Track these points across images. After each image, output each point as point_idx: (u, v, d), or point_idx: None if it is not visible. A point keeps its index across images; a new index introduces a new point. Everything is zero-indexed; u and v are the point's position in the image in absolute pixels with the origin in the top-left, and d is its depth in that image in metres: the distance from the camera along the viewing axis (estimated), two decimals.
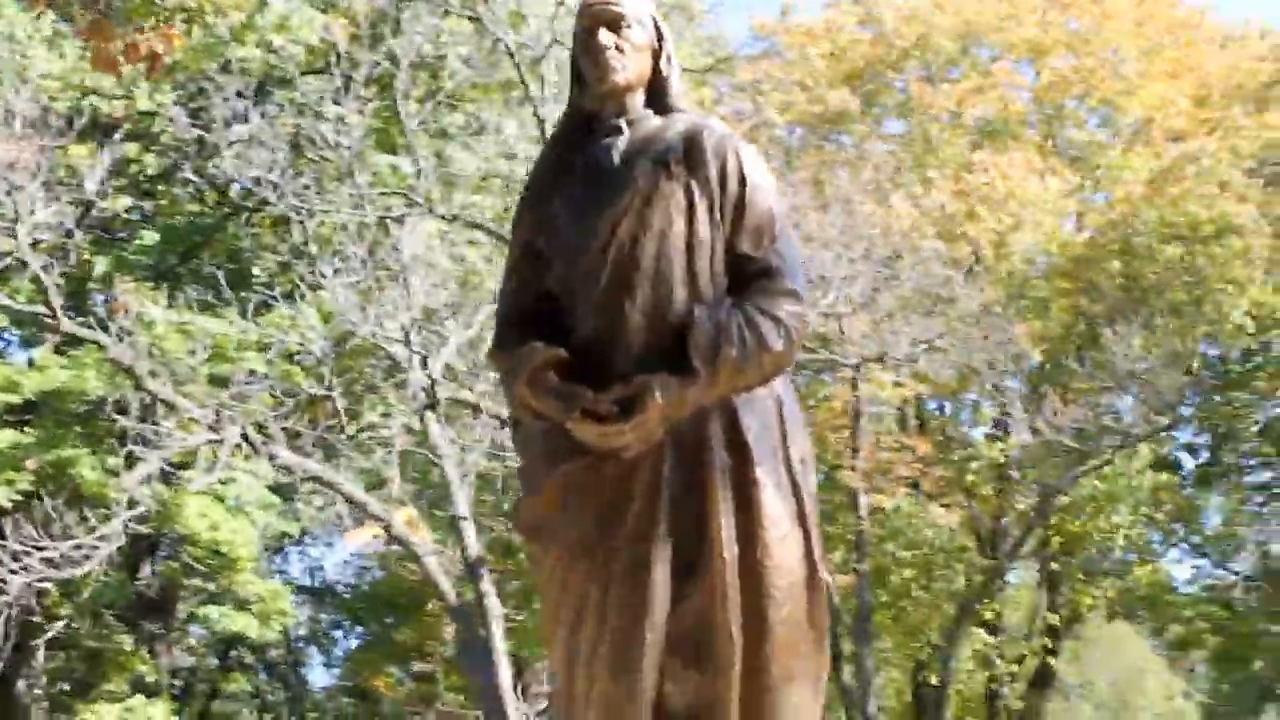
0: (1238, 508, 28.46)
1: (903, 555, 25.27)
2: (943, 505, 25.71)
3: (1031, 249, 24.46)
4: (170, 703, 22.48)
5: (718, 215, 4.67)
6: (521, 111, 19.20)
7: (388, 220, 17.80)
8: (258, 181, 17.45)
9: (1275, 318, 24.76)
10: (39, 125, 15.86)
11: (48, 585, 17.58)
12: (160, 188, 22.67)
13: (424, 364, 16.47)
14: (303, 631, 31.20)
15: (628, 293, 4.57)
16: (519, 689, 17.59)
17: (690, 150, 4.71)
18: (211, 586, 22.13)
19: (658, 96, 4.91)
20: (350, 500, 17.74)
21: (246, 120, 17.52)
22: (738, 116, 22.10)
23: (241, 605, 21.37)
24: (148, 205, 22.14)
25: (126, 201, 20.57)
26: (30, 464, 18.09)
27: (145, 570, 23.59)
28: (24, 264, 15.68)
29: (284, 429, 16.71)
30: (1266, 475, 29.02)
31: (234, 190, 21.83)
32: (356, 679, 30.94)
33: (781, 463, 4.62)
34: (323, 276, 16.81)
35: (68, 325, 16.20)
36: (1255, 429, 27.61)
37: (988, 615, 27.29)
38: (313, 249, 17.95)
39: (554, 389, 4.51)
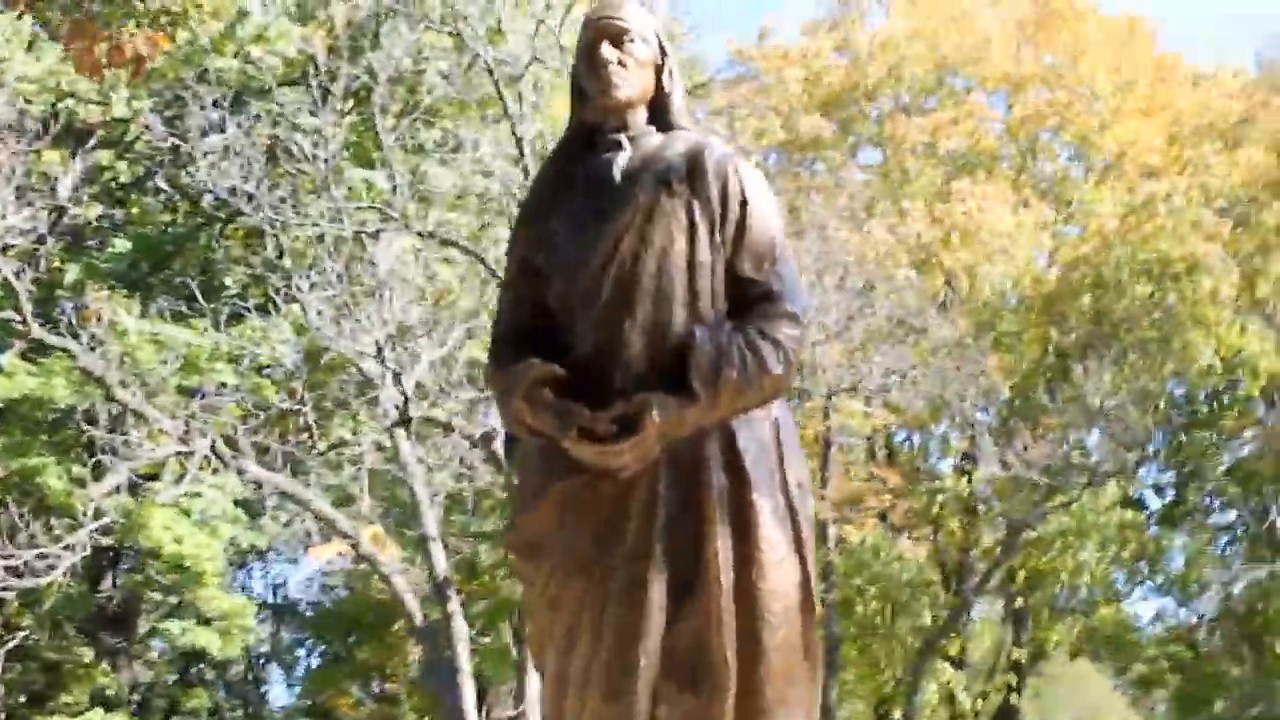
0: (1203, 548, 28.49)
1: (869, 588, 25.22)
2: (911, 538, 25.68)
3: (1003, 281, 24.51)
4: (129, 718, 22.24)
5: (718, 236, 4.63)
6: (499, 129, 19.14)
7: (363, 235, 17.70)
8: (233, 192, 17.32)
9: (1242, 358, 24.85)
10: (15, 128, 15.70)
11: (8, 595, 17.37)
12: (132, 196, 22.52)
13: (397, 380, 16.35)
14: (264, 649, 30.93)
15: (628, 311, 4.52)
16: (483, 711, 17.47)
17: (692, 169, 4.66)
18: (174, 600, 21.94)
19: (660, 113, 4.86)
20: (319, 517, 17.60)
21: (223, 130, 17.39)
22: None
23: (204, 620, 21.16)
24: (118, 214, 21.99)
25: (98, 209, 20.42)
26: None
27: (107, 582, 23.35)
28: None
29: (253, 443, 16.57)
30: (1231, 515, 29.13)
31: (207, 201, 21.70)
32: (317, 698, 30.66)
33: (779, 486, 4.57)
34: (298, 290, 16.68)
35: (38, 332, 16.02)
36: (1222, 469, 27.69)
37: (952, 650, 27.24)
38: (286, 262, 17.83)
39: (551, 406, 4.44)
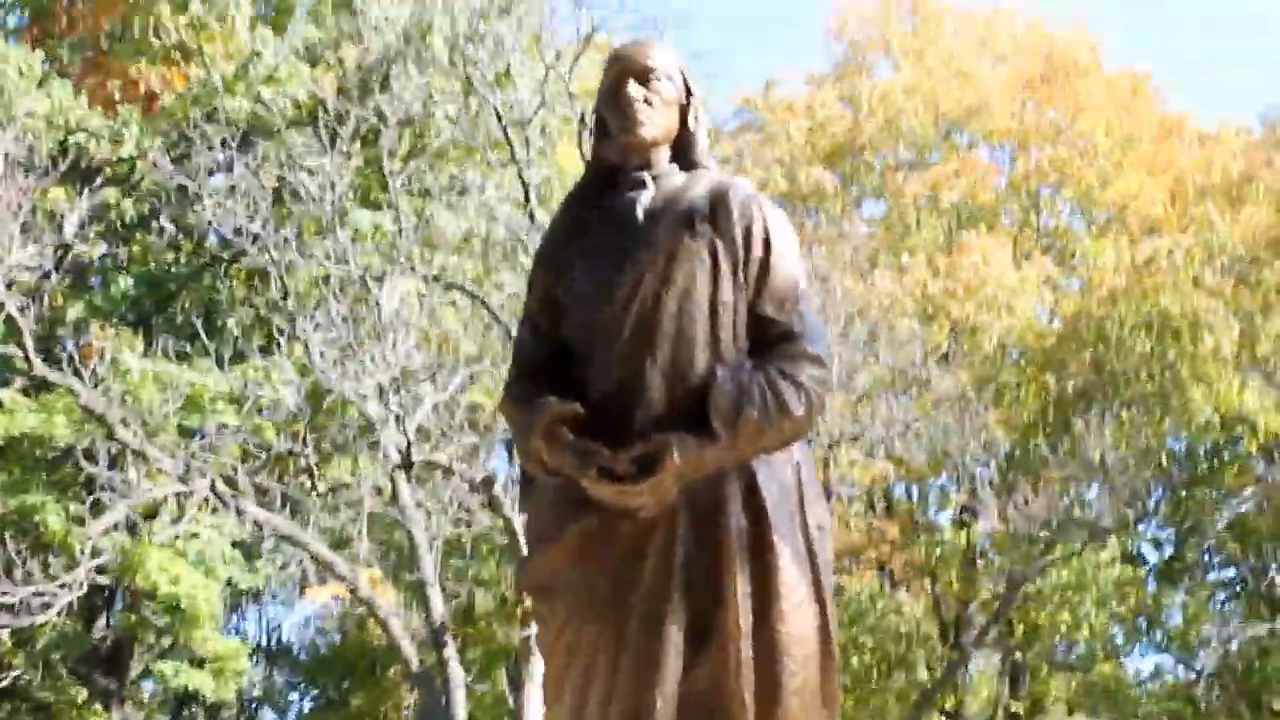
0: (1202, 605, 28.38)
1: (865, 640, 25.08)
2: (909, 591, 25.58)
3: (1005, 335, 24.52)
4: None
5: (741, 276, 4.59)
6: (505, 173, 19.17)
7: (367, 278, 17.69)
8: (238, 232, 17.32)
9: (1241, 415, 24.80)
10: (24, 165, 15.71)
11: (1, 634, 17.26)
12: (136, 235, 22.52)
13: (400, 424, 16.29)
14: (256, 692, 30.71)
15: (649, 350, 4.48)
16: None
17: (716, 209, 4.64)
18: (167, 642, 21.79)
19: (684, 152, 4.85)
20: (317, 559, 17.51)
21: (230, 170, 17.40)
22: None
23: (198, 662, 21.01)
24: (122, 252, 21.96)
25: (102, 247, 20.40)
26: None
27: (101, 622, 23.21)
28: None
29: (253, 484, 16.50)
30: (1230, 572, 29.02)
31: (211, 240, 21.71)
32: None
33: (799, 529, 4.52)
34: (302, 331, 16.65)
35: (40, 369, 15.97)
36: (1221, 525, 27.60)
37: (948, 704, 27.08)
38: (290, 304, 17.81)
39: (570, 445, 4.40)
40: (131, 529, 17.21)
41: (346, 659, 28.95)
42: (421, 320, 17.84)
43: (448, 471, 17.51)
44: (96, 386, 16.03)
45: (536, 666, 17.32)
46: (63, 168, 16.90)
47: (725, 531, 4.39)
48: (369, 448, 17.71)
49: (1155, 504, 27.39)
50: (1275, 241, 25.55)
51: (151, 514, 17.18)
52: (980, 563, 26.15)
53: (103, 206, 19.81)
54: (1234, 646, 27.85)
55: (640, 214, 4.67)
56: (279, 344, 17.70)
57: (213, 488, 16.01)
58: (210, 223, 18.30)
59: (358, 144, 18.85)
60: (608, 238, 4.67)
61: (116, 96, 18.37)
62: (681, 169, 4.81)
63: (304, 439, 16.86)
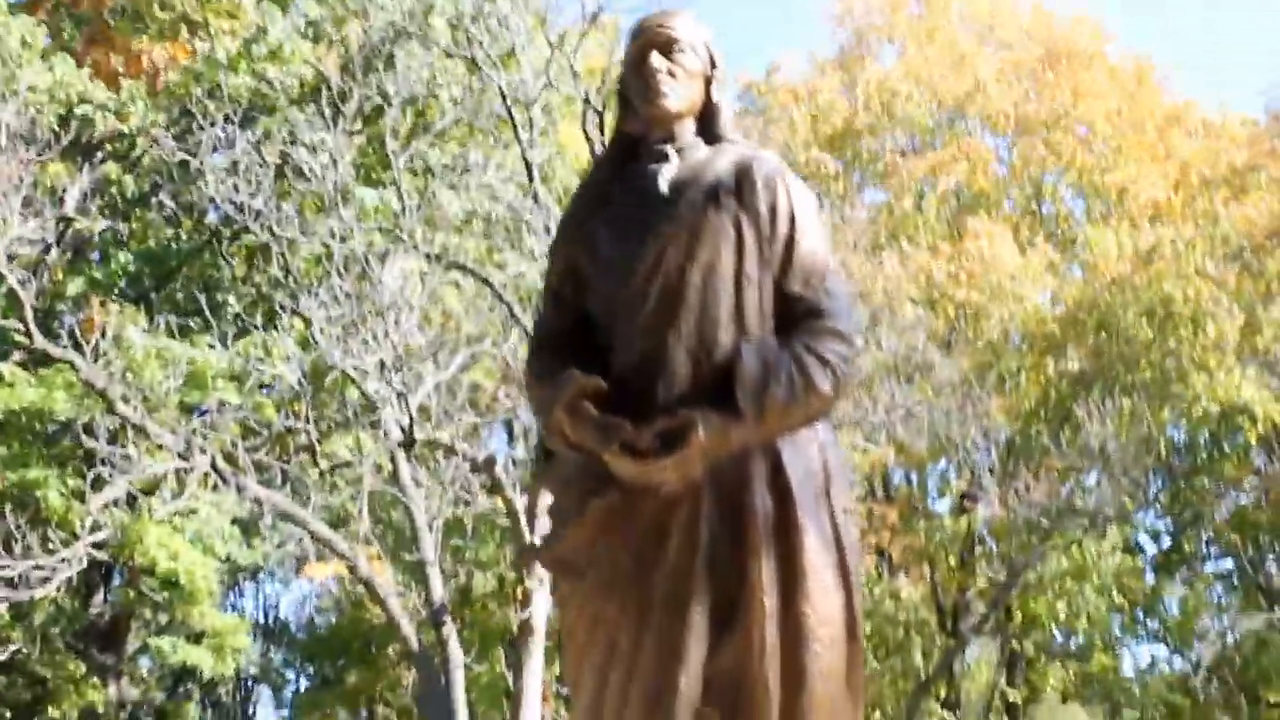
0: (1200, 596, 28.35)
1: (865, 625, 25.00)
2: (907, 577, 25.55)
3: (1008, 322, 24.46)
4: None
5: (766, 252, 4.51)
6: (508, 153, 19.07)
7: (369, 255, 17.59)
8: (240, 208, 17.21)
9: (1242, 405, 24.74)
10: (25, 138, 15.61)
11: (0, 608, 17.20)
12: (136, 211, 22.43)
13: (403, 402, 16.20)
14: (253, 670, 30.70)
15: (672, 324, 4.40)
16: None
17: (741, 183, 4.56)
18: (164, 618, 21.74)
19: (708, 125, 4.78)
20: (316, 537, 17.43)
21: (232, 146, 17.29)
22: None
23: (195, 638, 20.96)
24: (122, 228, 21.87)
25: (102, 223, 20.31)
26: None
27: (98, 598, 23.17)
28: None
29: (253, 461, 16.42)
30: (1229, 564, 28.98)
31: (212, 217, 21.60)
32: None
33: (825, 510, 4.43)
34: (305, 309, 16.55)
35: (41, 343, 15.88)
36: (1221, 517, 27.56)
37: (945, 691, 27.06)
38: (291, 282, 17.72)
39: (593, 420, 4.31)
40: (131, 504, 17.13)
41: (342, 638, 28.93)
42: (423, 299, 17.74)
43: (450, 451, 17.43)
44: (97, 361, 15.93)
45: (535, 648, 17.28)
46: (64, 142, 16.77)
47: (750, 511, 4.30)
48: (370, 426, 17.62)
49: (1155, 494, 27.36)
50: (1278, 231, 25.49)
51: (151, 490, 17.10)
52: (979, 550, 26.12)
53: (103, 181, 19.71)
54: (1231, 638, 27.85)
55: (664, 186, 4.59)
56: (279, 321, 17.59)
57: (213, 464, 15.92)
58: (212, 199, 18.19)
59: (359, 122, 18.76)
60: (630, 209, 4.60)
61: (120, 71, 18.23)
62: (706, 142, 4.74)
63: (306, 416, 16.76)
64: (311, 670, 31.10)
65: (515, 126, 18.05)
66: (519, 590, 17.97)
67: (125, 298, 19.84)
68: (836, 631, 4.37)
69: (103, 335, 16.38)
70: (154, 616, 22.54)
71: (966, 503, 25.66)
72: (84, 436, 15.81)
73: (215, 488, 16.55)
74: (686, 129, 4.74)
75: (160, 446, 16.07)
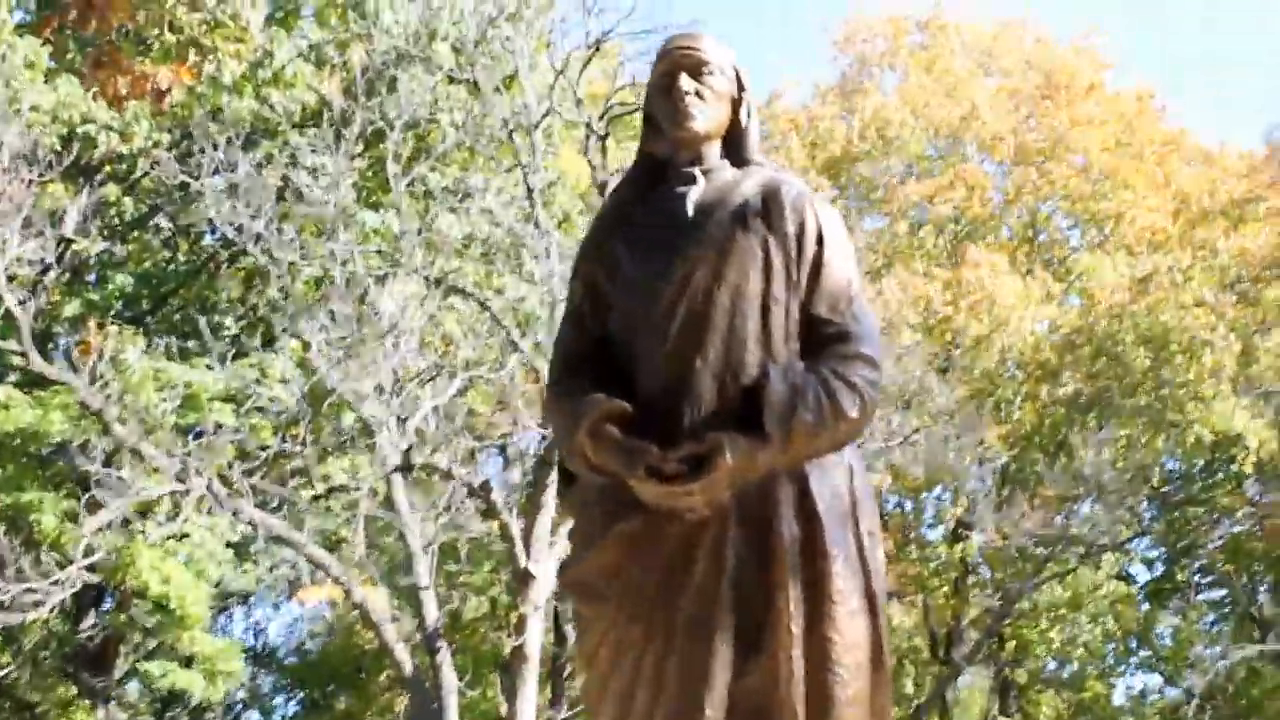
0: (1193, 625, 28.33)
1: None
2: (901, 603, 25.51)
3: (1007, 349, 24.47)
4: None
5: (794, 275, 4.49)
6: (509, 177, 19.04)
7: (368, 279, 17.53)
8: (239, 230, 17.16)
9: (1236, 435, 24.74)
10: (27, 159, 15.57)
11: None
12: (134, 233, 22.38)
13: (401, 425, 16.14)
14: (241, 695, 30.51)
15: (698, 348, 4.37)
16: None
17: (768, 205, 4.54)
18: (154, 642, 21.58)
19: (735, 148, 4.76)
20: (311, 561, 17.36)
21: (233, 170, 17.24)
22: None
23: (186, 662, 20.79)
24: (119, 249, 21.81)
25: (101, 244, 20.25)
26: None
27: (89, 621, 23.00)
28: None
29: (250, 485, 16.35)
30: (1221, 593, 28.95)
31: (209, 239, 21.55)
32: None
33: (851, 534, 4.40)
34: (304, 332, 16.50)
35: (38, 363, 15.81)
36: (1214, 545, 27.54)
37: (938, 719, 27.01)
38: (289, 306, 17.65)
39: (618, 443, 4.27)
40: (124, 525, 17.04)
41: (333, 663, 28.80)
42: (422, 322, 17.68)
43: (446, 475, 17.37)
44: (94, 383, 15.85)
45: (529, 674, 17.21)
46: (65, 163, 16.72)
47: (777, 536, 4.27)
48: (367, 449, 17.55)
49: (1148, 522, 27.34)
50: (1277, 262, 25.55)
51: (144, 512, 17.00)
52: (972, 578, 26.09)
53: (103, 203, 19.66)
54: (1223, 667, 27.79)
55: (690, 209, 4.56)
56: (277, 344, 17.53)
57: (209, 487, 15.85)
58: (210, 222, 18.13)
59: (360, 145, 18.72)
60: (656, 231, 4.57)
61: (125, 93, 18.19)
62: (733, 165, 4.72)
63: (303, 440, 16.69)
64: (301, 695, 30.93)
65: (517, 151, 18.03)
66: (513, 615, 17.89)
67: (122, 319, 19.75)
68: (862, 657, 4.34)
69: (100, 357, 16.30)
70: (144, 640, 22.37)
71: (960, 530, 25.62)
72: (79, 458, 15.73)
73: (210, 511, 16.46)
74: (713, 151, 4.72)
75: (156, 469, 15.99)
